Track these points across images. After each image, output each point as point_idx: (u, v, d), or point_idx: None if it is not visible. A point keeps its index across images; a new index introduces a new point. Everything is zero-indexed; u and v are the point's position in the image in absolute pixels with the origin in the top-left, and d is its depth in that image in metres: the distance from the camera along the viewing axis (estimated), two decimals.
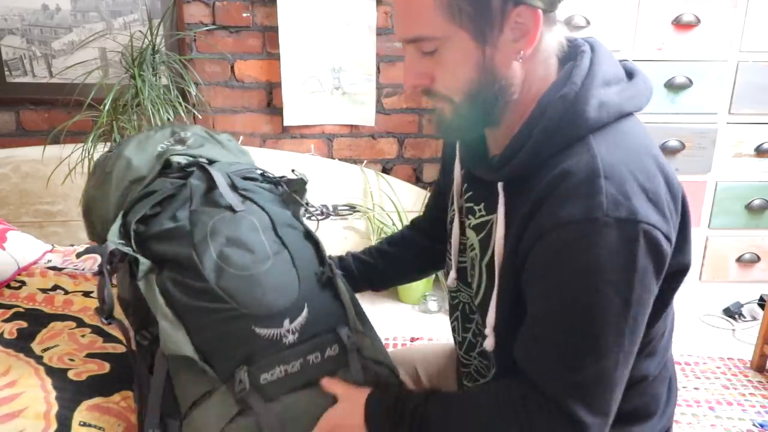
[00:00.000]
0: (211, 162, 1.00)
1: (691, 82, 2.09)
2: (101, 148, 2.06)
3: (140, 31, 2.19)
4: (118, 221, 0.88)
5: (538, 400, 0.69)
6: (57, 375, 0.91)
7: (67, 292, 1.19)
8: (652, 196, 0.66)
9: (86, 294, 1.19)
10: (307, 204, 1.01)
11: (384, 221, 2.35)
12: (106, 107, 1.98)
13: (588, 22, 2.04)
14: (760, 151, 2.18)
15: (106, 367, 0.96)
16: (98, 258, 1.36)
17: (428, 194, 1.13)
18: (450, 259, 0.90)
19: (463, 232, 0.87)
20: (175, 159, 0.99)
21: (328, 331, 0.85)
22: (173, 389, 0.80)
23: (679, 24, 2.05)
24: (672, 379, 0.89)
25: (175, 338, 0.78)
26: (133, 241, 0.86)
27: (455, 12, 0.66)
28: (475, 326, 0.88)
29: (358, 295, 0.95)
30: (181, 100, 2.12)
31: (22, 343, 0.99)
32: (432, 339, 2.05)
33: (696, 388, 1.85)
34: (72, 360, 0.96)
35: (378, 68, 2.31)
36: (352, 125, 2.39)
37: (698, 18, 2.04)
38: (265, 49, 2.29)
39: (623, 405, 0.71)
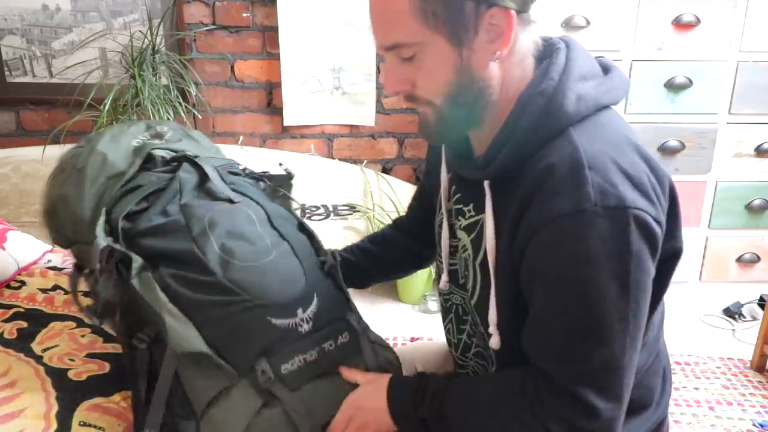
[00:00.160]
0: (194, 156, 0.99)
1: (691, 82, 2.09)
2: None
3: (140, 31, 2.19)
4: (102, 219, 0.85)
5: (548, 388, 0.71)
6: (57, 375, 0.91)
7: (67, 292, 1.19)
8: (636, 183, 0.67)
9: (86, 294, 1.19)
10: (302, 203, 1.00)
11: (384, 221, 2.35)
12: (106, 107, 1.98)
13: (588, 22, 2.04)
14: (760, 151, 2.18)
15: (106, 367, 0.96)
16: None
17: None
18: (441, 262, 0.91)
19: (453, 235, 0.88)
20: (158, 153, 0.97)
21: (338, 318, 0.86)
22: (182, 390, 0.79)
23: (679, 24, 2.05)
24: (666, 371, 0.90)
25: (186, 335, 0.76)
26: (121, 238, 0.84)
27: (429, 17, 0.68)
28: (470, 327, 0.89)
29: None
30: (181, 100, 2.12)
31: (22, 343, 0.99)
32: (432, 339, 2.05)
33: (696, 388, 1.85)
34: (72, 360, 0.96)
35: (378, 68, 2.31)
36: (352, 125, 2.39)
37: (698, 18, 2.04)
38: (265, 49, 2.29)
39: None
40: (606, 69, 0.77)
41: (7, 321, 1.05)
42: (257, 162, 2.30)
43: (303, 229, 0.95)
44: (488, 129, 0.76)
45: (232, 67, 2.31)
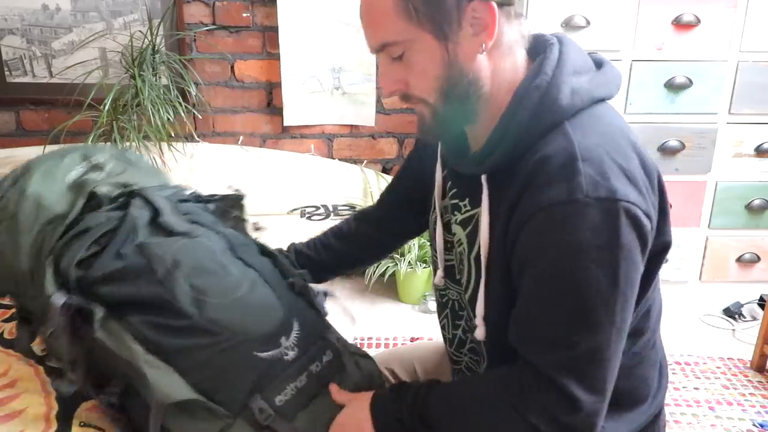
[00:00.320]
0: (143, 190, 0.92)
1: (691, 82, 2.09)
2: None
3: (140, 31, 2.19)
4: (49, 269, 0.79)
5: (531, 379, 0.71)
6: (57, 375, 0.91)
7: None
8: (629, 176, 0.68)
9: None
10: (254, 221, 0.99)
11: None
12: (106, 107, 1.98)
13: (588, 22, 2.04)
14: (760, 151, 2.18)
15: None
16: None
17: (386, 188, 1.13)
18: (437, 259, 0.92)
19: (448, 231, 0.88)
20: (102, 190, 0.89)
21: (319, 338, 0.86)
22: None
23: (679, 24, 2.05)
24: (662, 365, 0.91)
25: (170, 384, 0.73)
26: (74, 289, 0.78)
27: (412, 14, 0.69)
28: (465, 323, 0.89)
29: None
30: (181, 100, 2.13)
31: None
32: (432, 339, 2.05)
33: (696, 388, 1.85)
34: None
35: (378, 68, 2.31)
36: (352, 125, 2.39)
37: (698, 18, 2.04)
38: (265, 49, 2.29)
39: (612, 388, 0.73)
40: (599, 64, 0.78)
41: (7, 321, 1.05)
42: (257, 162, 2.30)
43: (264, 252, 0.94)
44: (484, 124, 0.77)
45: (232, 67, 2.31)
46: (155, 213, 0.87)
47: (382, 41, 0.73)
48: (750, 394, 1.83)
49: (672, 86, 2.09)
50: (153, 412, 0.73)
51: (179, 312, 0.77)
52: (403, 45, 0.72)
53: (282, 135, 2.39)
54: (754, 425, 1.68)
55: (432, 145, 0.93)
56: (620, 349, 0.71)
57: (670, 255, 0.80)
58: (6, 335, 1.01)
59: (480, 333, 0.80)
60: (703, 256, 2.29)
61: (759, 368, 1.94)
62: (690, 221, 2.23)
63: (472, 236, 0.80)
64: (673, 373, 1.89)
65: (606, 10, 2.04)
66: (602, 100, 0.75)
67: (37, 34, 2.20)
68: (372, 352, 0.98)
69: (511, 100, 0.73)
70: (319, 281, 1.08)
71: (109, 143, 2.02)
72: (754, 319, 2.26)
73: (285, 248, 1.09)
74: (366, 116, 2.37)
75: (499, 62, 0.74)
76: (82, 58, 2.22)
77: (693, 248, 2.27)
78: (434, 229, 0.91)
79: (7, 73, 2.23)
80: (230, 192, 1.00)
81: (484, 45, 0.71)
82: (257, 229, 1.03)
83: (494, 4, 0.69)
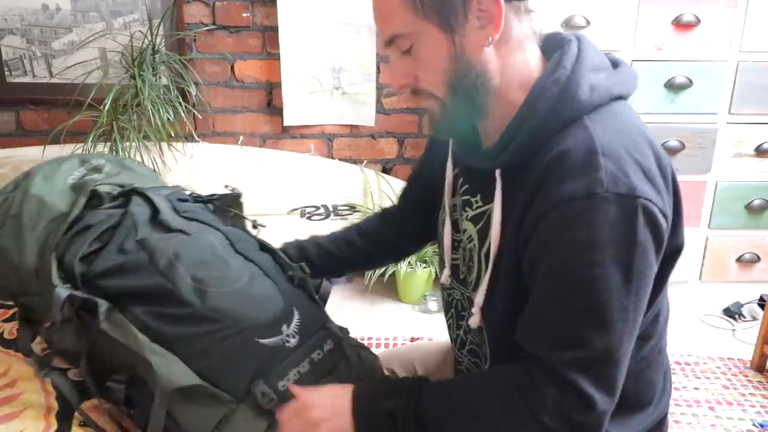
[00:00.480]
0: (143, 189, 0.95)
1: (691, 82, 2.09)
2: (101, 148, 2.06)
3: (140, 31, 2.19)
4: (54, 265, 0.82)
5: (543, 378, 0.70)
6: (57, 375, 0.91)
7: None
8: (647, 173, 0.68)
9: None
10: (253, 219, 0.99)
11: None
12: (106, 107, 1.98)
13: (588, 22, 2.04)
14: (760, 151, 2.18)
15: None
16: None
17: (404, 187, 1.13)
18: (444, 258, 0.92)
19: (456, 230, 0.88)
20: (103, 189, 0.92)
21: (320, 327, 0.86)
22: (178, 426, 0.76)
23: (679, 24, 2.05)
24: (667, 370, 0.91)
25: (175, 371, 0.75)
26: (79, 283, 0.80)
27: (418, 6, 0.70)
28: (466, 323, 0.89)
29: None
30: (181, 100, 2.13)
31: None
32: (432, 339, 2.05)
33: (696, 388, 1.85)
34: None
35: (378, 68, 2.31)
36: (352, 125, 2.39)
37: (698, 18, 2.04)
38: (265, 49, 2.29)
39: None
40: (615, 64, 0.79)
41: (6, 321, 1.05)
42: (257, 162, 2.30)
43: (264, 248, 0.95)
44: (497, 119, 0.77)
45: (232, 67, 2.31)
46: (155, 211, 0.89)
47: (390, 33, 0.73)
48: (750, 394, 1.83)
49: (672, 86, 2.09)
50: (157, 400, 0.75)
51: (181, 301, 0.78)
52: (411, 38, 0.72)
53: (282, 135, 2.39)
54: (754, 425, 1.68)
55: (443, 143, 0.92)
56: (630, 349, 0.70)
57: None
58: (6, 335, 1.01)
59: (474, 321, 0.81)
60: (703, 256, 2.29)
61: (759, 368, 1.95)
62: (690, 221, 2.23)
63: (484, 232, 0.80)
64: (674, 373, 1.89)
65: (606, 10, 2.04)
66: (620, 97, 0.75)
67: (37, 34, 2.20)
68: None
69: (528, 94, 0.73)
70: (337, 276, 1.10)
71: (104, 150, 2.03)
72: (754, 319, 2.26)
73: (305, 241, 1.09)
74: (366, 116, 2.37)
75: (509, 57, 0.74)
76: (82, 58, 2.22)
77: (693, 248, 2.27)
78: (442, 227, 0.91)
79: (7, 73, 2.23)
80: (227, 191, 1.00)
81: (490, 38, 0.71)
82: (255, 227, 1.03)
83: None
